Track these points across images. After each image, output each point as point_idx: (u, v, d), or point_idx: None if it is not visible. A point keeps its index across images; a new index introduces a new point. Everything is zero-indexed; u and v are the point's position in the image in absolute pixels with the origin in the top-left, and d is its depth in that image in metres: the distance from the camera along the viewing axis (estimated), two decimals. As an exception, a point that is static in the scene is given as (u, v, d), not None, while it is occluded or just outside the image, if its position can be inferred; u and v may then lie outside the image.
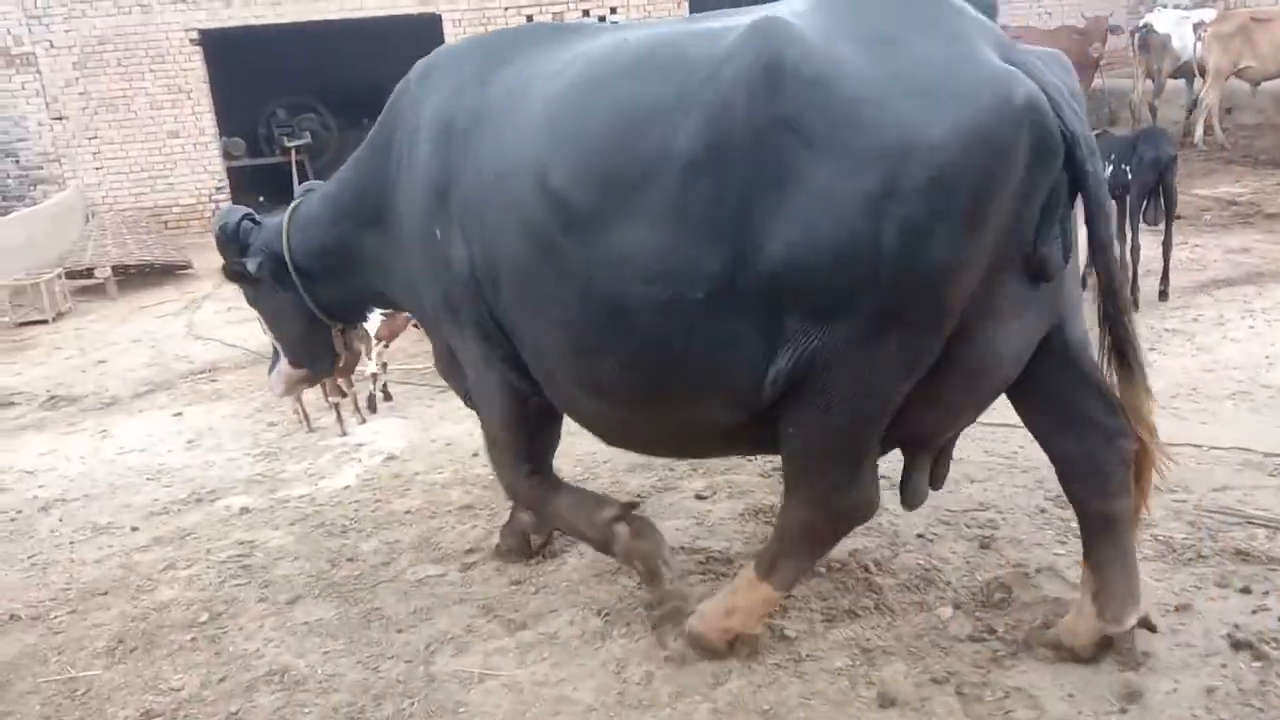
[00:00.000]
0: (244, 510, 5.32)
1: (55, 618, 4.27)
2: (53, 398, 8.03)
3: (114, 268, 12.00)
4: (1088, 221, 2.69)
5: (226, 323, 10.04)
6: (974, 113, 2.38)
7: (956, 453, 3.56)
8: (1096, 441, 2.90)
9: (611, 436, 3.43)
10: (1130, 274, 7.00)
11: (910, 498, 3.12)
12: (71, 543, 5.19)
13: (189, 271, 12.76)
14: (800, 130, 2.49)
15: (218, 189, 15.15)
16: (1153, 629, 3.12)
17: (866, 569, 3.84)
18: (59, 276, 11.48)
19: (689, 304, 2.69)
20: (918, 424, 2.85)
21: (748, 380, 2.74)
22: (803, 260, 2.53)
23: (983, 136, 2.38)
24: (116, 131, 14.77)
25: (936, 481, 3.20)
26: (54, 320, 10.93)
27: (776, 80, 2.52)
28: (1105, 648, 3.08)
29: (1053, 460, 3.06)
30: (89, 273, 12.01)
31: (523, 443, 3.56)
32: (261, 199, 16.11)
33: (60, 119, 14.55)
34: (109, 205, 14.63)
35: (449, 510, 4.98)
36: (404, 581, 4.28)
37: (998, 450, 4.88)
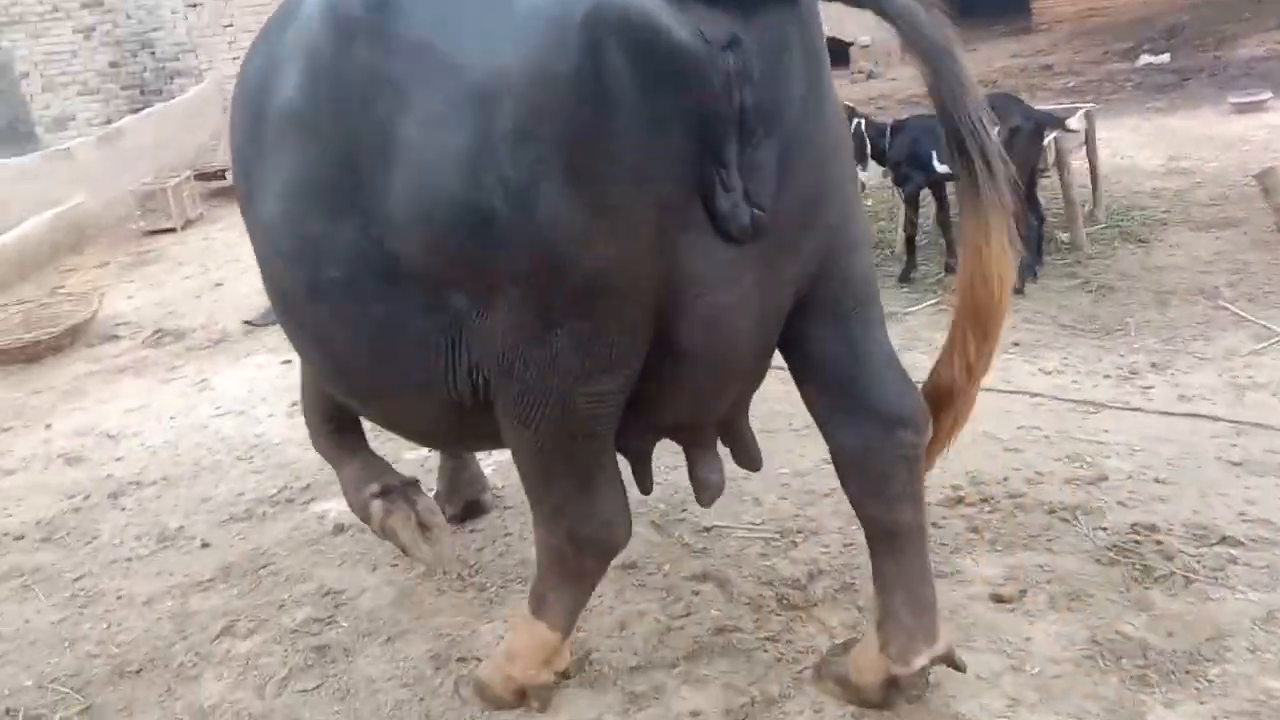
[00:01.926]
0: (338, 529, 3.94)
1: (60, 721, 3.00)
2: (158, 332, 6.93)
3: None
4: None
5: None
6: (535, 43, 1.92)
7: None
8: (873, 432, 2.31)
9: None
10: None
11: (700, 492, 2.75)
12: (129, 561, 3.96)
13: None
14: (385, 80, 2.11)
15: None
16: (958, 668, 2.47)
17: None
18: (188, 180, 10.38)
19: (331, 284, 2.32)
20: (662, 416, 2.40)
21: (440, 376, 2.30)
22: (417, 232, 2.13)
23: (547, 68, 1.90)
24: (253, 18, 13.48)
25: (751, 463, 2.83)
26: (182, 229, 9.90)
27: (347, 27, 2.18)
28: (893, 689, 2.45)
29: (830, 454, 2.47)
30: (221, 174, 10.91)
31: (326, 401, 3.11)
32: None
33: (195, 5, 13.34)
34: (248, 98, 13.48)
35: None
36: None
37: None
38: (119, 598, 3.67)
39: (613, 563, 3.25)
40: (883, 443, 2.29)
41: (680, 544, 3.35)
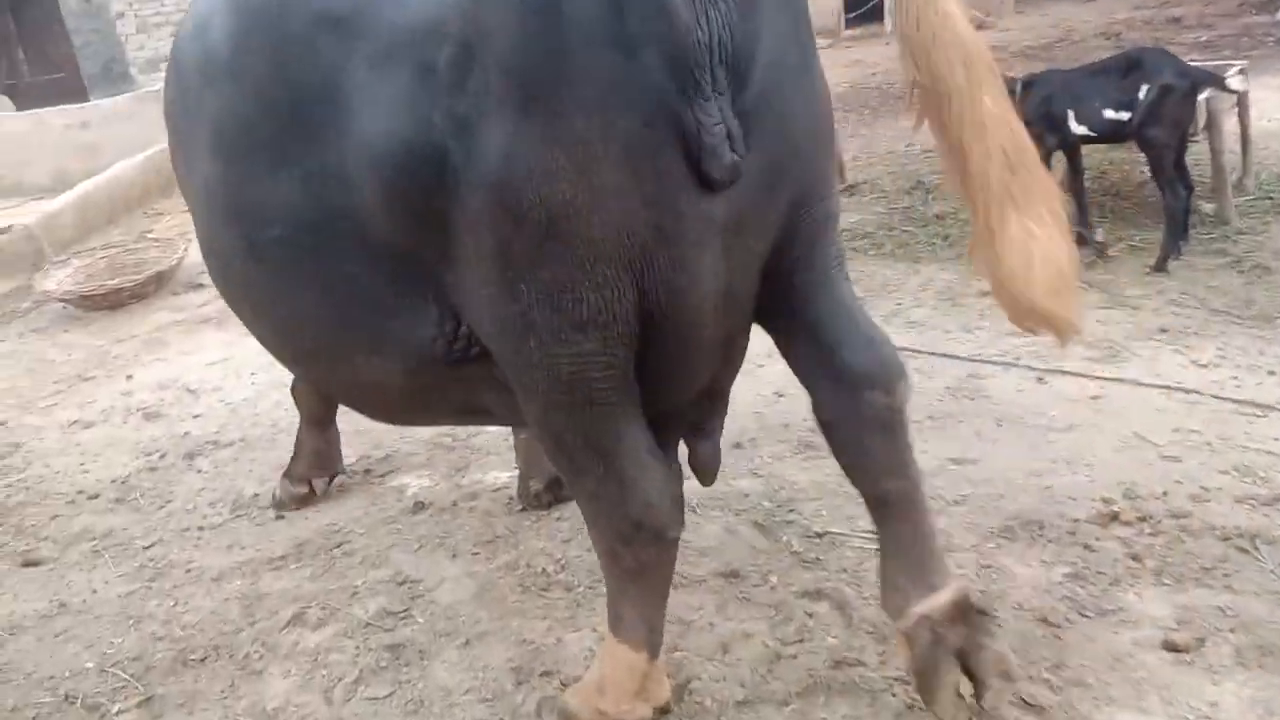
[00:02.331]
0: (418, 506, 3.67)
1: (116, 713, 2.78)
2: None
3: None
4: None
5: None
6: None
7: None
8: (842, 397, 2.05)
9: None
10: None
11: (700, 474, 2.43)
12: (200, 530, 3.75)
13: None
14: (331, 19, 1.91)
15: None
16: (984, 614, 2.20)
17: None
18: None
19: (272, 243, 2.10)
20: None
21: (397, 337, 2.06)
22: (369, 180, 1.90)
23: None
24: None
25: (701, 466, 2.42)
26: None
27: None
28: (916, 643, 2.12)
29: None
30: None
31: None
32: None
33: (289, -55, 13.10)
34: None
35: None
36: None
37: None
38: (188, 571, 3.47)
39: (714, 568, 2.95)
40: (852, 408, 2.06)
41: (789, 551, 2.99)
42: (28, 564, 3.67)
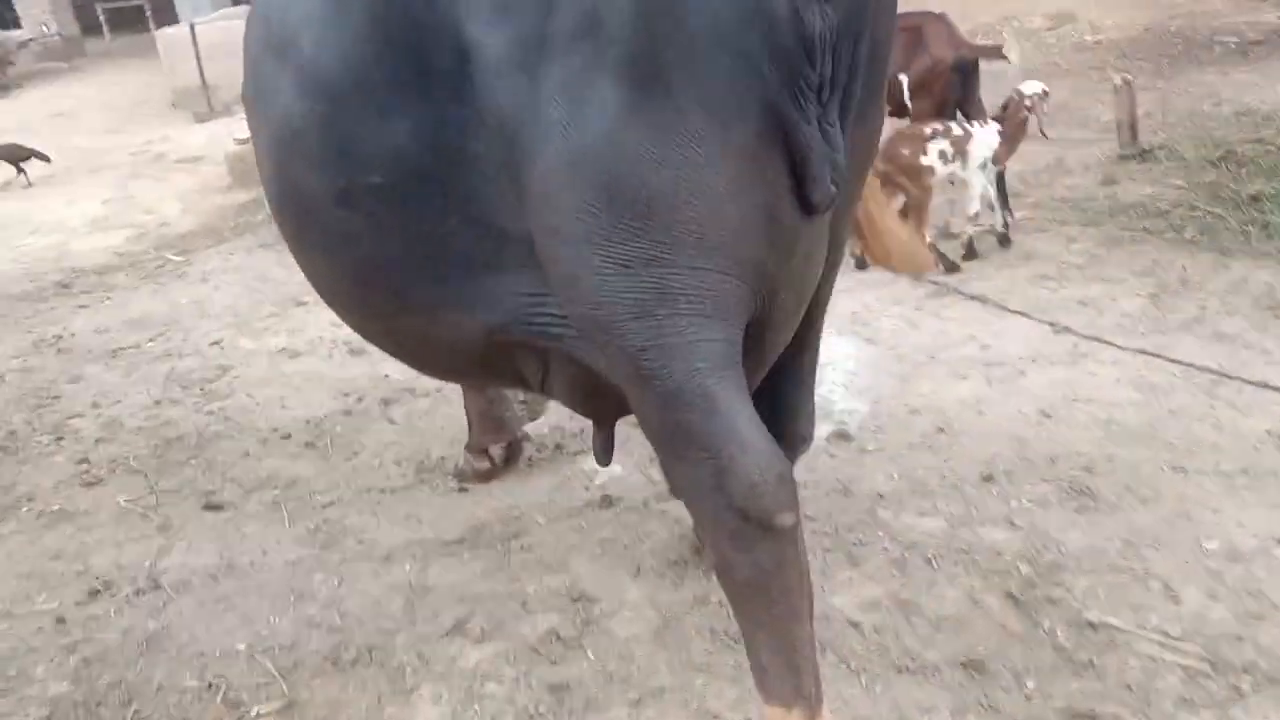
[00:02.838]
0: (605, 500, 3.24)
1: None
2: None
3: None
4: None
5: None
6: None
7: None
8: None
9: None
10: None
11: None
12: (381, 492, 3.50)
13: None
14: None
15: None
16: None
17: None
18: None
19: (369, 189, 1.97)
20: None
21: (484, 299, 1.98)
22: (485, 135, 1.81)
23: None
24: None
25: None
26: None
27: None
28: None
29: None
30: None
31: None
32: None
33: None
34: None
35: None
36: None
37: None
38: (360, 542, 3.19)
39: (950, 653, 2.34)
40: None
41: (1051, 644, 2.33)
42: (209, 507, 3.52)
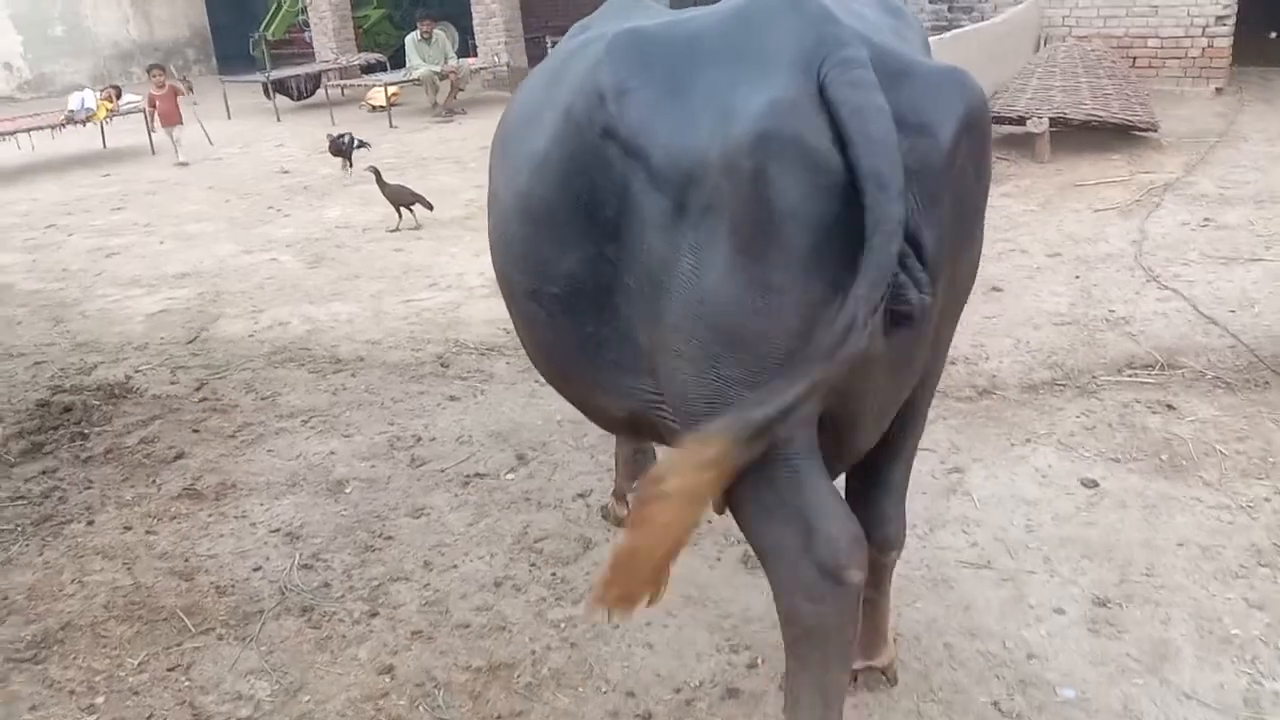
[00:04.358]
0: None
1: None
2: None
3: (1052, 119, 8.44)
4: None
5: (1178, 255, 5.86)
6: (727, 137, 2.00)
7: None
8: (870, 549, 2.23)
9: None
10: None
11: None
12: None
13: (1149, 135, 8.64)
14: (622, 140, 2.20)
15: (1219, 19, 10.32)
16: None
17: None
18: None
19: (550, 296, 2.45)
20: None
21: (626, 390, 2.39)
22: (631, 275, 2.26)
23: (729, 162, 1.98)
24: (1104, -71, 10.77)
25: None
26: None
27: (599, 91, 2.26)
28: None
29: None
30: (1020, 120, 8.66)
31: None
32: (1275, 34, 11.15)
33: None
34: (1068, 29, 10.91)
35: None
36: None
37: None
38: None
39: None
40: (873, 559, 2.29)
41: None
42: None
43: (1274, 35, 11.22)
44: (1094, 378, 4.41)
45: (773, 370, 1.98)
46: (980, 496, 3.59)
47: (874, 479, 2.45)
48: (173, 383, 5.40)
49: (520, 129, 2.57)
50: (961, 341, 4.93)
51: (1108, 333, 4.85)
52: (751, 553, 3.20)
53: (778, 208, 1.92)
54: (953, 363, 4.70)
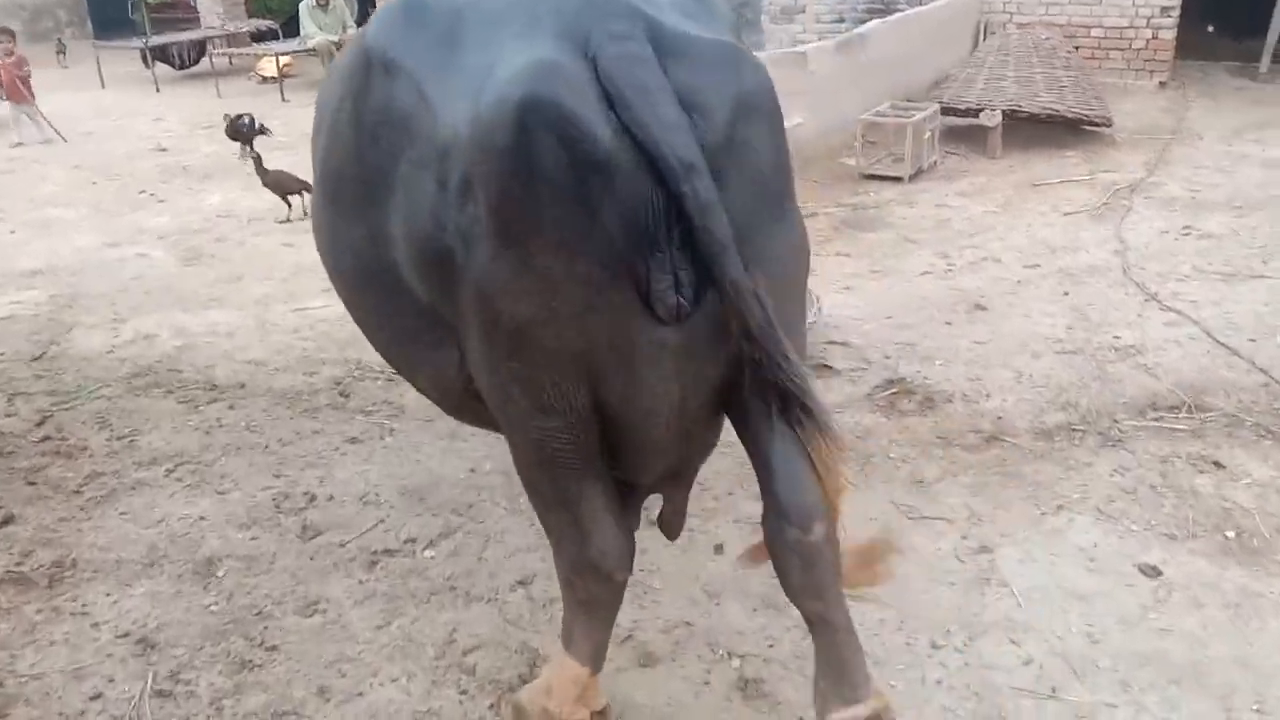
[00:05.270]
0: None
1: None
2: (820, 358, 4.40)
3: (1005, 112, 7.90)
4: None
5: (1169, 269, 5.33)
6: (484, 115, 1.94)
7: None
8: (771, 522, 2.15)
9: None
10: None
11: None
12: None
13: (1102, 130, 8.17)
14: (394, 115, 2.21)
15: (1164, 9, 9.93)
16: None
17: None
18: (934, 114, 7.70)
19: (348, 270, 2.48)
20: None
21: (438, 365, 2.35)
22: (405, 253, 2.22)
23: (486, 140, 1.93)
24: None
25: (668, 530, 2.71)
26: (909, 180, 7.27)
27: (370, 59, 2.29)
28: None
29: None
30: (972, 113, 8.10)
31: None
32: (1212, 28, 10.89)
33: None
34: (1009, 15, 10.42)
35: None
36: None
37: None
38: None
39: None
40: (776, 534, 2.14)
41: None
42: None
43: (1211, 29, 10.93)
44: (1115, 422, 3.79)
45: (555, 361, 1.98)
46: (1021, 589, 2.90)
47: (757, 449, 2.18)
48: (9, 414, 4.39)
49: (323, 104, 2.61)
50: (955, 373, 4.26)
51: (1119, 364, 4.24)
52: (748, 678, 2.55)
53: (536, 181, 1.86)
54: (949, 400, 4.03)
